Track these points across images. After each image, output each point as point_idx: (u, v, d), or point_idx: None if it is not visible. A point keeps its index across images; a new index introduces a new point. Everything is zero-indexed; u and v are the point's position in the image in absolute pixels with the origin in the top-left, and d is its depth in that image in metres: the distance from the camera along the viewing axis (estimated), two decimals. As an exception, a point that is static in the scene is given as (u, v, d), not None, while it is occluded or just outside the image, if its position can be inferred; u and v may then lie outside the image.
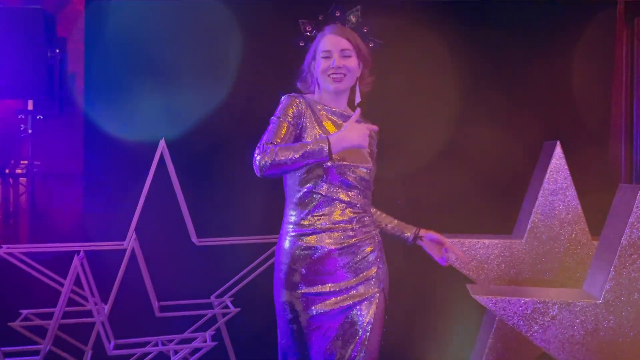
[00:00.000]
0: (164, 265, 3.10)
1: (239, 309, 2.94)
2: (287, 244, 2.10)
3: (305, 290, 2.07)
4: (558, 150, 2.89)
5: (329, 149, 1.91)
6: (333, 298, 2.06)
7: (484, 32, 3.39)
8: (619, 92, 3.71)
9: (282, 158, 1.93)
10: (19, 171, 3.75)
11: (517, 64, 3.44)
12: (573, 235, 2.87)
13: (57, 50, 3.55)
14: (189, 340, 2.76)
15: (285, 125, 2.05)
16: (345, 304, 2.06)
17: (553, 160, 2.89)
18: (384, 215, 2.32)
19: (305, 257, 2.06)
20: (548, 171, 2.89)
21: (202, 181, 3.29)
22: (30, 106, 3.66)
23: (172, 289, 3.06)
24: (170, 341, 2.77)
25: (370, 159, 2.18)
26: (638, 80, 3.71)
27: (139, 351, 2.67)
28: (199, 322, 2.92)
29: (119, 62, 3.28)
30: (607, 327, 2.22)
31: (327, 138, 1.94)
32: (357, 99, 2.20)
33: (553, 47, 3.47)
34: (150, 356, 2.73)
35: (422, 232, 2.27)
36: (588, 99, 3.48)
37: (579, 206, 2.89)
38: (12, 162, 3.71)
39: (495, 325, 2.86)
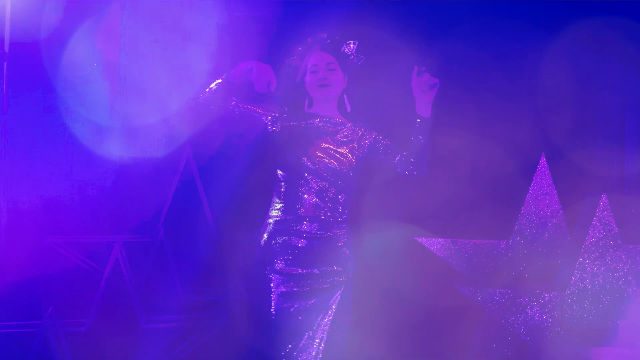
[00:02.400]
0: (188, 256, 3.48)
1: (252, 296, 3.31)
2: (267, 227, 2.35)
3: (276, 268, 2.28)
4: (542, 161, 3.17)
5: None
6: (301, 282, 2.27)
7: (484, 38, 3.62)
8: (610, 103, 3.94)
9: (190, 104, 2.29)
10: (57, 171, 4.12)
11: (513, 74, 3.67)
12: (554, 238, 3.12)
13: (95, 64, 3.93)
14: (210, 319, 3.13)
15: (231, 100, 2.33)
16: (308, 288, 2.27)
17: (538, 170, 3.16)
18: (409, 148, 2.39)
19: (280, 240, 2.30)
20: (533, 179, 3.17)
21: (223, 181, 3.61)
22: (69, 113, 4.01)
23: (195, 277, 3.45)
24: (193, 319, 3.16)
25: (353, 160, 2.36)
26: (630, 92, 3.95)
27: (168, 326, 3.08)
28: (219, 307, 3.31)
29: (150, 72, 3.67)
30: (571, 316, 2.52)
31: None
32: (348, 108, 2.45)
33: (549, 55, 3.65)
34: (177, 333, 3.13)
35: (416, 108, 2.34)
36: (578, 109, 3.69)
37: (561, 211, 3.14)
38: (55, 164, 4.08)
39: (483, 317, 3.13)
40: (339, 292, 2.31)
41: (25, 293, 3.41)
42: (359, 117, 2.51)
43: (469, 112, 3.66)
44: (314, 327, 2.28)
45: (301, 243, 2.32)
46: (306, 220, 2.32)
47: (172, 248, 3.22)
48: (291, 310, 2.28)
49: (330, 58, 2.41)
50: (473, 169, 3.64)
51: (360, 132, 2.44)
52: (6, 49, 3.72)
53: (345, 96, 2.46)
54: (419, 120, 2.34)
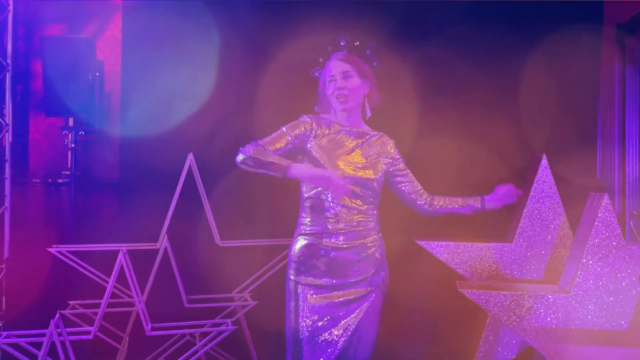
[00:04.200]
0: (192, 263, 3.50)
1: (256, 302, 3.32)
2: (298, 242, 2.40)
3: (308, 280, 2.34)
4: (544, 162, 3.18)
5: (288, 169, 2.22)
6: (334, 292, 2.32)
7: (483, 38, 3.66)
8: (610, 106, 3.97)
9: (255, 156, 2.23)
10: (60, 180, 4.16)
11: (511, 77, 3.68)
12: (557, 239, 3.14)
13: (97, 74, 3.95)
14: (215, 325, 3.15)
15: (285, 139, 2.35)
16: (341, 299, 2.32)
17: (540, 171, 3.18)
18: (446, 199, 2.55)
19: (311, 253, 2.35)
20: (535, 181, 3.18)
21: (226, 189, 3.63)
22: (71, 123, 4.04)
23: (198, 284, 3.47)
24: (198, 327, 3.17)
25: (378, 171, 2.42)
26: (629, 97, 3.98)
27: (173, 332, 3.10)
28: (223, 313, 3.32)
29: (151, 83, 3.70)
30: (575, 318, 2.52)
31: (292, 162, 2.25)
32: (367, 114, 2.48)
33: (550, 56, 3.69)
34: (182, 341, 3.14)
35: (487, 197, 2.55)
36: (579, 109, 3.73)
37: (564, 213, 3.14)
38: (56, 172, 4.12)
39: (488, 319, 3.14)
40: (370, 299, 2.34)
41: (31, 302, 3.44)
42: (379, 126, 2.54)
43: (469, 114, 3.69)
44: (345, 336, 2.31)
45: (332, 254, 2.35)
46: (335, 232, 2.34)
47: (176, 255, 3.23)
48: (323, 321, 2.32)
49: (346, 66, 2.41)
50: (474, 172, 3.66)
51: (384, 146, 2.46)
52: (8, 60, 3.75)
53: (366, 101, 2.47)
54: (479, 206, 2.50)
